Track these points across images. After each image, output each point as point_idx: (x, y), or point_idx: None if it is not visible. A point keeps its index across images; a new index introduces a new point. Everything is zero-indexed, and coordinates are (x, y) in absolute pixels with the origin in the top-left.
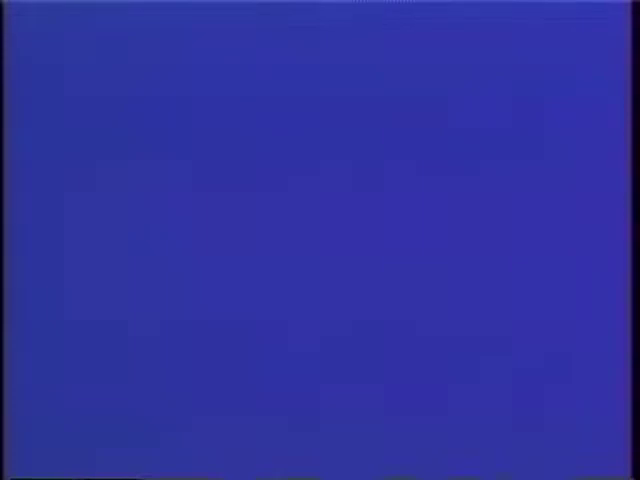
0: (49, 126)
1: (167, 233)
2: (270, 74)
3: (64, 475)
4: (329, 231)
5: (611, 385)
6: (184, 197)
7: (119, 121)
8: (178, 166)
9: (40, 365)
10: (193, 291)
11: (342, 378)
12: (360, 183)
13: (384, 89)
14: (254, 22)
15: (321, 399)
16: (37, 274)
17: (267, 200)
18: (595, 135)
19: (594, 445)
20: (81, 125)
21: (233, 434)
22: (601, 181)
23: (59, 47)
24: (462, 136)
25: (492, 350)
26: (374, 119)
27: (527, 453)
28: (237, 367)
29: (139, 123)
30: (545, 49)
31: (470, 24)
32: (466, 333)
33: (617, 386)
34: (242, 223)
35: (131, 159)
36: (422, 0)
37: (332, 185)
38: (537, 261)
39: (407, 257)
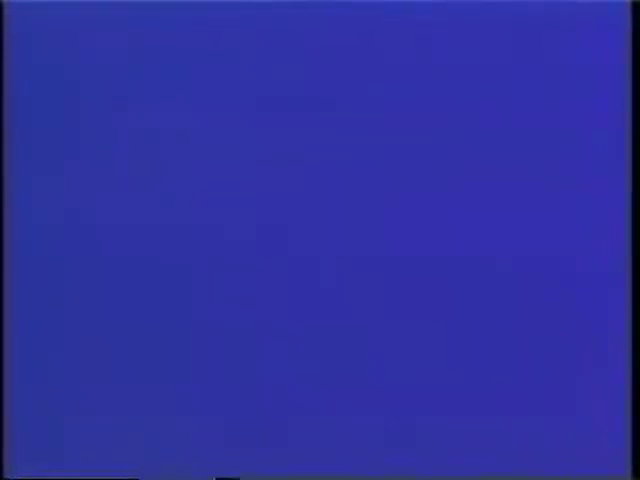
0: (49, 126)
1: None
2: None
3: (63, 474)
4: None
5: (611, 384)
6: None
7: (119, 120)
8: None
9: (42, 359)
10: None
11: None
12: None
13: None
14: (253, 20)
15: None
16: (39, 262)
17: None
18: (595, 135)
19: (594, 445)
20: (80, 125)
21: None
22: (600, 181)
23: (59, 47)
24: (462, 136)
25: (489, 348)
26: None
27: (526, 453)
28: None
29: (139, 122)
30: (545, 49)
31: (470, 23)
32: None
33: (617, 385)
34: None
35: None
36: (421, 0)
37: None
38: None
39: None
